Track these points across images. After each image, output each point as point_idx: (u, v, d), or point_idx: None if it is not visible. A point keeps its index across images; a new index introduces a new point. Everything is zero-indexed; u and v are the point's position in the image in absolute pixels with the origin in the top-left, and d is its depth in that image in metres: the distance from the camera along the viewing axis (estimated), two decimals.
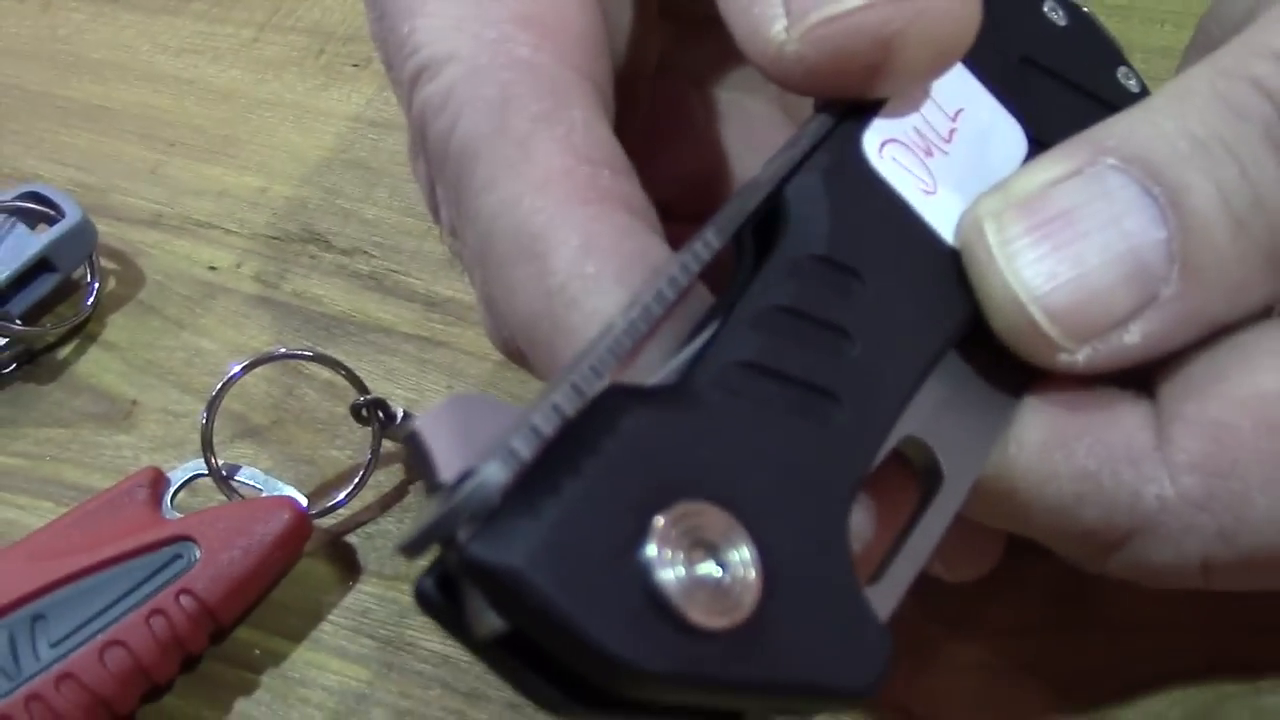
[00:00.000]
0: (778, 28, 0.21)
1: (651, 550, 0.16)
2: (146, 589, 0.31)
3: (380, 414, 0.34)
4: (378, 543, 0.34)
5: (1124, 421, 0.22)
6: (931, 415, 0.21)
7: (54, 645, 0.30)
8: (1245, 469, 0.21)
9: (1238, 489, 0.21)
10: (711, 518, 0.17)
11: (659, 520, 0.16)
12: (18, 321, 0.38)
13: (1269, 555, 0.22)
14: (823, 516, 0.18)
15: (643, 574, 0.16)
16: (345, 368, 0.34)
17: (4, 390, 0.39)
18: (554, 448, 0.16)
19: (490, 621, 0.16)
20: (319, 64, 0.46)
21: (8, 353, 0.39)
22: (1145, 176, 0.21)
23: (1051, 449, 0.22)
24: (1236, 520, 0.21)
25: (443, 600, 0.17)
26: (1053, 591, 0.29)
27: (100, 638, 0.30)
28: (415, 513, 0.34)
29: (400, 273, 0.39)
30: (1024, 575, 0.28)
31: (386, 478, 0.35)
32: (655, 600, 0.16)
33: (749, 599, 0.17)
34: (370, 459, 0.34)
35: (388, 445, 0.34)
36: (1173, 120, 0.22)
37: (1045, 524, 0.23)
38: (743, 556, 0.17)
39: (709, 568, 0.17)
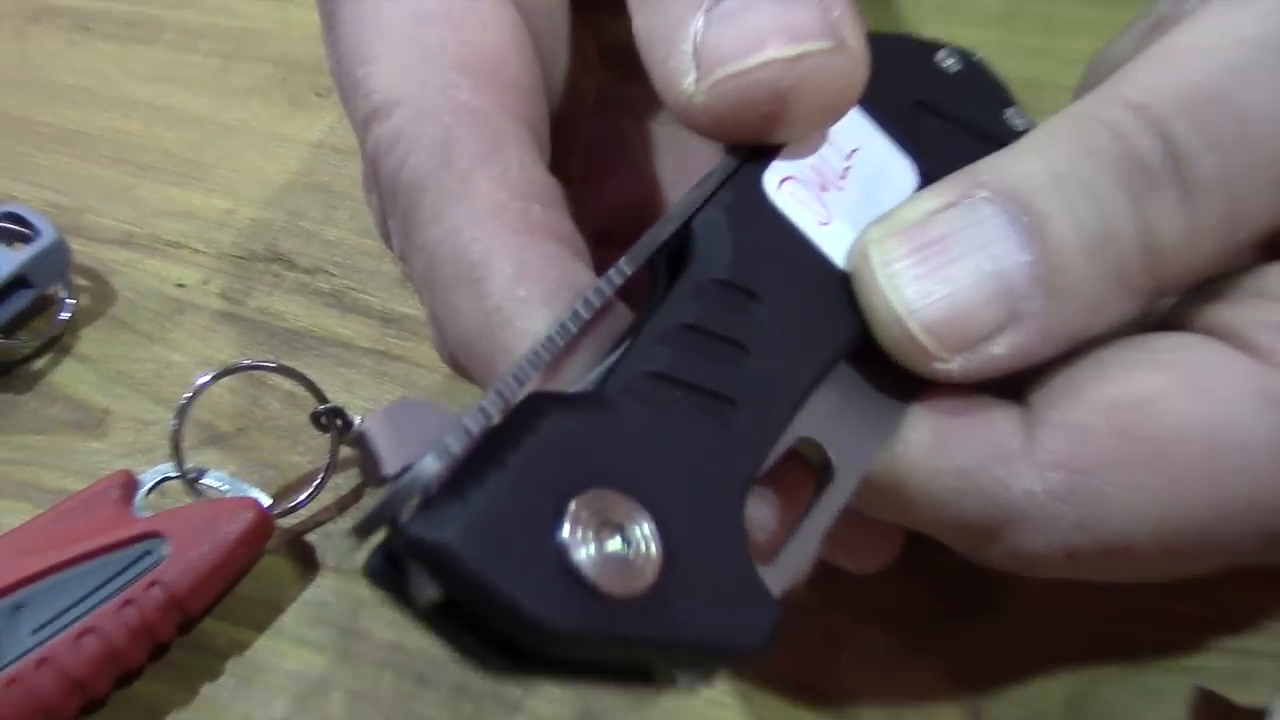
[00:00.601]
0: (688, 80, 0.23)
1: (566, 529, 0.18)
2: (119, 581, 0.31)
3: (339, 421, 0.34)
4: (335, 541, 0.34)
5: (998, 425, 0.24)
6: (825, 419, 0.23)
7: (34, 632, 0.30)
8: (1099, 466, 0.23)
9: (1094, 484, 0.23)
10: (619, 502, 0.19)
11: (572, 504, 0.19)
12: None
13: (1124, 544, 0.24)
14: (720, 503, 0.21)
15: (559, 549, 0.18)
16: (306, 378, 0.35)
17: None
18: (483, 444, 0.19)
19: (429, 592, 0.18)
20: (284, 92, 0.47)
21: None
22: (1013, 207, 0.23)
23: (934, 448, 0.24)
24: (1092, 512, 0.23)
25: (389, 574, 0.19)
26: (947, 582, 0.30)
27: (76, 626, 0.31)
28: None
29: (359, 291, 0.40)
30: (921, 568, 0.29)
31: (344, 481, 0.36)
32: (569, 570, 0.18)
33: (651, 570, 0.19)
34: (329, 463, 0.35)
35: (345, 451, 0.35)
36: (1040, 157, 0.24)
37: (930, 516, 0.24)
38: (645, 533, 0.19)
39: (616, 544, 0.19)
